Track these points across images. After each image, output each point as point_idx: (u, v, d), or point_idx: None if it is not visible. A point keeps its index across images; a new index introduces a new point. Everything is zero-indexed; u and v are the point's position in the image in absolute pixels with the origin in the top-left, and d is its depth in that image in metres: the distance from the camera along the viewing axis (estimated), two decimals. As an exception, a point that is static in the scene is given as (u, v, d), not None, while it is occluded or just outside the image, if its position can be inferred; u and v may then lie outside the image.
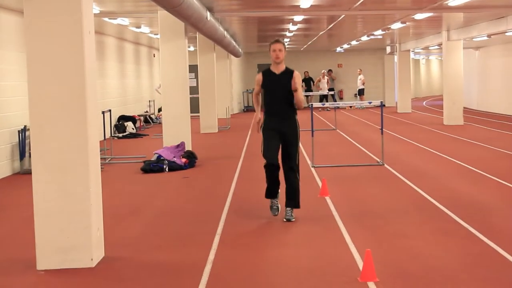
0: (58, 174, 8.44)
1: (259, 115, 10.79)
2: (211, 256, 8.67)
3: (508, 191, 12.79)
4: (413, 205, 11.72)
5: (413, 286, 7.30)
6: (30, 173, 16.21)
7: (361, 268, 7.69)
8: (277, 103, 10.42)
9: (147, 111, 34.87)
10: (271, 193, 10.53)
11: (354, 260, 8.27)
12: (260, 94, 10.88)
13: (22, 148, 17.11)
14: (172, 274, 8.07)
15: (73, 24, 8.41)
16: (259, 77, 10.63)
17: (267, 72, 10.59)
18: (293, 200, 10.37)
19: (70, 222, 8.44)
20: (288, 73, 10.46)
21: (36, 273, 8.23)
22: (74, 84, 8.44)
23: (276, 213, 10.51)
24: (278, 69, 10.49)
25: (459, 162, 16.77)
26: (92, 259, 8.45)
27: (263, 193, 10.67)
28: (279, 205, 10.58)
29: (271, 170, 10.29)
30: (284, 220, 10.22)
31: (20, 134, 17.08)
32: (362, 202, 12.15)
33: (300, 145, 10.97)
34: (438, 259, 8.35)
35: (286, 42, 37.38)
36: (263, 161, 10.31)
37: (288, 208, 10.38)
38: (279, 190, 10.65)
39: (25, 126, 17.13)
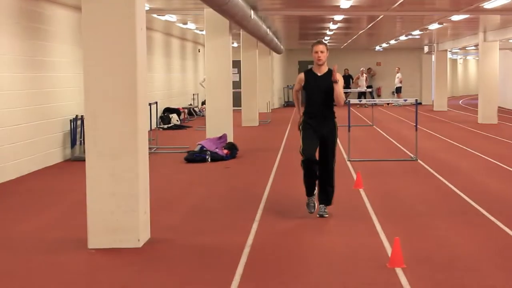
0: (109, 160, 8.78)
1: (299, 113, 10.56)
2: (250, 241, 8.96)
3: None
4: (443, 199, 11.93)
5: (438, 272, 7.54)
6: (81, 160, 16.82)
7: (389, 254, 7.98)
8: (318, 105, 10.11)
9: (191, 104, 35.25)
10: (310, 190, 10.24)
11: (383, 247, 8.54)
12: (300, 92, 10.56)
13: (73, 136, 17.57)
14: (213, 255, 8.38)
15: (127, 21, 8.73)
16: (301, 76, 10.33)
17: (309, 73, 10.28)
18: (325, 198, 10.24)
19: (120, 205, 8.78)
20: (329, 75, 10.11)
21: (87, 252, 8.57)
22: (126, 77, 8.76)
23: (313, 210, 10.25)
24: (320, 71, 10.17)
25: (491, 159, 16.89)
26: (139, 240, 8.79)
27: (300, 185, 10.46)
28: (316, 203, 10.33)
29: (309, 166, 10.05)
30: (318, 216, 10.11)
31: (72, 123, 17.50)
32: (394, 194, 12.39)
33: (337, 146, 10.61)
34: (463, 249, 8.60)
35: (326, 40, 37.48)
36: (300, 158, 10.16)
37: (321, 205, 10.25)
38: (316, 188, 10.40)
39: (76, 116, 17.57)
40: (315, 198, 10.31)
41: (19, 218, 10.79)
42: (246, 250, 8.50)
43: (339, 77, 10.05)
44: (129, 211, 8.83)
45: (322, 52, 9.99)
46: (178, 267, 7.96)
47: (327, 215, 10.13)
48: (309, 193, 10.26)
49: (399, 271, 7.46)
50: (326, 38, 35.27)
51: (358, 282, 7.23)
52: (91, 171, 8.87)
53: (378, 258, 8.06)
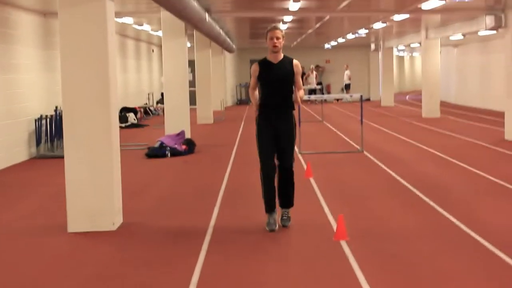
0: (86, 152, 9.59)
1: (257, 109, 9.39)
2: (212, 223, 9.94)
3: (469, 175, 14.07)
4: (385, 185, 13.01)
5: (375, 243, 8.64)
6: (46, 158, 17.59)
7: (335, 230, 9.08)
8: (275, 95, 9.20)
9: (146, 103, 35.84)
10: (270, 204, 9.28)
11: (330, 224, 9.62)
12: (257, 89, 9.48)
13: (38, 135, 18.18)
14: (181, 235, 9.34)
15: (99, 27, 9.54)
16: (255, 67, 9.31)
17: (264, 62, 9.31)
18: (286, 198, 9.44)
19: (96, 192, 9.61)
20: (287, 62, 9.29)
21: (67, 235, 9.42)
22: (100, 77, 9.58)
23: (274, 227, 9.20)
24: (276, 58, 9.26)
25: (431, 150, 18.02)
26: (113, 224, 9.64)
27: (254, 174, 10.51)
28: (277, 217, 9.39)
29: (267, 173, 9.25)
30: (281, 225, 9.39)
31: (37, 123, 18.10)
32: (341, 182, 13.46)
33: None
34: (399, 224, 9.73)
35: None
36: (255, 150, 9.56)
37: (284, 210, 9.47)
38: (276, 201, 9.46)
39: (41, 115, 18.21)
40: (276, 214, 9.39)
41: None
42: (210, 231, 9.43)
43: (296, 69, 9.30)
44: (104, 197, 9.64)
45: (278, 38, 9.14)
46: (150, 246, 8.82)
47: (289, 223, 9.43)
48: (270, 208, 9.30)
49: (343, 243, 8.50)
50: None
51: (308, 253, 8.25)
52: (69, 161, 9.63)
53: (325, 233, 9.12)
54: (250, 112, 36.76)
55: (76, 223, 9.64)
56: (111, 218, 9.70)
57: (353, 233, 9.00)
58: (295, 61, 9.36)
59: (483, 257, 7.98)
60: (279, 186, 9.41)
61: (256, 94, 9.43)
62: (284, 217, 9.43)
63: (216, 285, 7.14)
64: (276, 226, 9.22)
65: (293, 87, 9.41)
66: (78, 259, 8.33)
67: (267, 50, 9.32)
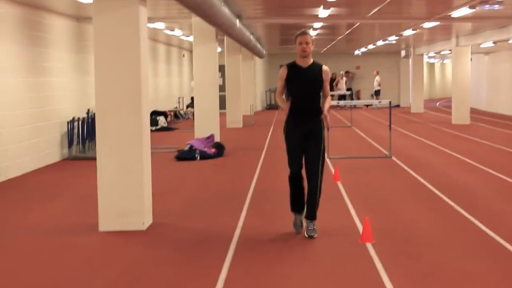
0: (117, 153, 9.84)
1: (287, 108, 9.09)
2: (240, 223, 10.15)
3: (497, 180, 14.15)
4: (412, 190, 13.13)
5: (401, 246, 8.80)
6: (78, 159, 17.89)
7: (361, 232, 9.24)
8: (303, 99, 9.04)
9: (176, 107, 36.08)
10: (297, 206, 9.29)
11: (356, 227, 9.78)
12: (284, 94, 9.25)
13: (71, 137, 18.47)
14: (208, 236, 9.53)
15: (133, 33, 9.78)
16: (283, 71, 9.13)
17: (292, 66, 9.14)
18: (310, 210, 9.14)
19: (126, 192, 9.85)
20: (316, 67, 9.12)
21: (99, 234, 9.66)
22: (132, 81, 9.81)
23: (300, 230, 9.31)
24: (305, 63, 9.10)
25: (459, 156, 18.09)
26: (143, 223, 9.88)
27: (283, 178, 10.23)
28: (303, 222, 9.32)
29: (295, 181, 9.23)
30: (306, 236, 9.13)
31: (69, 125, 18.38)
32: (368, 186, 13.59)
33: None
34: (425, 228, 9.85)
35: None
36: (283, 155, 9.54)
37: (309, 221, 9.19)
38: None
39: (73, 118, 18.49)
40: (303, 216, 9.30)
41: (31, 208, 11.84)
42: (237, 231, 9.64)
43: (325, 76, 9.14)
44: (135, 197, 9.88)
45: (307, 43, 9.00)
46: (179, 246, 9.03)
47: (315, 235, 9.12)
48: (296, 208, 9.29)
49: (369, 246, 8.68)
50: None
51: (335, 255, 8.43)
52: (101, 162, 9.88)
53: (351, 235, 9.28)
54: (280, 116, 36.87)
55: (107, 222, 9.88)
56: (141, 218, 9.92)
57: (379, 236, 9.17)
58: (324, 67, 9.16)
59: (507, 261, 8.12)
60: (307, 198, 9.19)
61: (283, 99, 9.18)
62: (310, 228, 9.13)
63: (242, 284, 7.33)
64: (301, 228, 9.25)
65: (321, 93, 9.22)
66: (108, 258, 8.55)
67: (297, 55, 9.18)
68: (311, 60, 9.17)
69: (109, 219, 9.90)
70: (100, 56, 9.85)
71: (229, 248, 8.75)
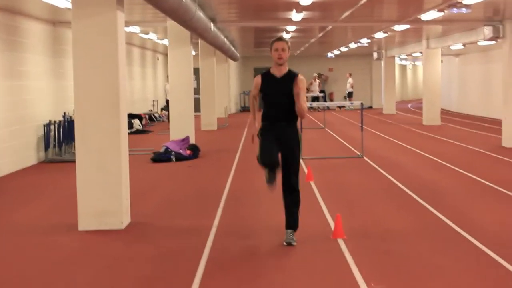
0: (96, 155, 10.00)
1: (255, 123, 9.05)
2: (216, 222, 10.38)
3: (464, 179, 14.52)
4: (383, 188, 13.46)
5: (372, 241, 9.13)
6: (54, 162, 18.00)
7: (333, 229, 9.54)
8: (277, 109, 8.68)
9: (151, 110, 36.21)
10: (271, 178, 8.71)
11: (328, 224, 10.10)
12: (258, 97, 9.03)
13: (47, 140, 18.60)
14: (185, 234, 9.76)
15: (110, 38, 9.92)
16: (258, 80, 8.82)
17: (267, 75, 8.76)
18: (293, 221, 8.90)
19: (105, 192, 10.02)
20: (290, 77, 8.69)
21: (78, 233, 9.85)
22: (110, 84, 9.96)
23: (273, 181, 8.72)
24: (280, 71, 8.71)
25: (429, 156, 18.47)
26: (122, 223, 10.07)
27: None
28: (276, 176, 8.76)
29: (270, 166, 8.68)
30: (285, 244, 8.83)
31: (45, 128, 18.49)
32: (340, 185, 13.92)
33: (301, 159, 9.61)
34: (395, 225, 10.17)
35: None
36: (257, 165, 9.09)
37: (289, 230, 8.88)
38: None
39: (49, 121, 18.63)
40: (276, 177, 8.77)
41: (12, 209, 12.01)
42: (213, 230, 9.88)
43: (302, 91, 8.64)
44: (114, 198, 10.06)
45: (283, 50, 8.59)
46: (156, 243, 9.27)
47: (295, 243, 8.83)
48: (271, 172, 8.72)
49: (340, 242, 8.98)
50: None
51: (308, 250, 8.71)
52: (80, 163, 10.06)
53: (323, 232, 9.59)
54: (252, 123, 37.09)
55: (86, 222, 10.05)
56: (120, 218, 10.11)
57: (350, 232, 9.47)
58: (300, 77, 8.71)
59: (473, 255, 8.45)
60: (285, 205, 8.93)
61: (256, 103, 9.05)
62: (289, 239, 8.79)
63: (218, 278, 7.60)
64: (274, 182, 8.71)
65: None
66: (88, 255, 8.78)
67: (271, 59, 8.85)
68: (287, 69, 8.79)
69: (88, 219, 10.06)
70: (78, 60, 10.00)
71: (205, 246, 8.98)
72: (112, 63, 10.03)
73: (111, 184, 10.13)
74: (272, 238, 9.34)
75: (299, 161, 8.88)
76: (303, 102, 8.65)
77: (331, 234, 9.38)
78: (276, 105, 8.70)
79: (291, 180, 8.81)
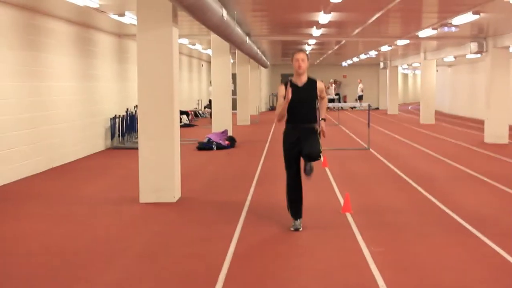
0: (155, 142, 10.30)
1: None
2: (249, 197, 10.72)
3: (451, 167, 14.67)
4: (384, 174, 13.65)
5: (374, 215, 9.39)
6: (118, 149, 18.31)
7: (342, 204, 9.84)
8: (299, 115, 8.11)
9: (196, 108, 36.54)
10: (295, 211, 8.35)
11: (338, 201, 10.38)
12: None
13: (113, 130, 19.08)
14: (225, 206, 10.05)
15: (167, 47, 10.18)
16: (281, 89, 8.19)
17: (289, 84, 8.13)
18: (310, 156, 8.04)
19: (161, 172, 10.31)
20: (311, 84, 8.23)
21: (139, 205, 10.15)
22: (166, 86, 10.24)
23: (299, 228, 8.32)
24: (300, 81, 8.19)
25: (424, 149, 18.59)
26: (174, 197, 10.37)
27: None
28: (299, 222, 8.37)
29: (291, 188, 8.39)
30: (306, 174, 8.22)
31: (112, 121, 18.95)
32: (349, 171, 14.15)
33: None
34: (393, 203, 10.42)
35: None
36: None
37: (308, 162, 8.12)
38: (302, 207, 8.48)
39: (115, 115, 19.05)
40: (301, 221, 8.39)
41: (85, 184, 12.38)
42: (247, 202, 10.22)
43: (322, 87, 8.35)
44: (168, 177, 10.34)
45: (303, 60, 8.12)
46: (203, 212, 9.61)
47: (312, 173, 8.22)
48: (295, 214, 8.38)
49: (348, 215, 9.27)
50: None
51: (321, 222, 8.96)
52: (142, 148, 10.34)
53: (335, 207, 9.88)
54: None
55: (145, 195, 10.36)
56: (172, 193, 10.40)
57: (357, 208, 9.75)
58: (319, 84, 8.27)
59: (454, 227, 8.67)
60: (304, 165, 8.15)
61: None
62: (307, 167, 8.14)
63: (251, 240, 7.91)
64: (299, 228, 8.28)
65: (317, 102, 8.30)
66: (148, 221, 9.09)
67: (294, 72, 8.44)
68: (306, 78, 8.24)
69: (147, 193, 10.35)
70: (142, 66, 10.24)
71: (241, 214, 9.33)
72: (168, 68, 10.24)
73: (165, 165, 10.37)
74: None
75: (319, 144, 8.05)
76: (326, 98, 8.40)
77: (341, 209, 9.66)
78: (299, 112, 8.07)
79: (314, 151, 7.97)
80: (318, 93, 8.17)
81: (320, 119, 8.12)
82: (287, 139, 8.24)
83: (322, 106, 8.42)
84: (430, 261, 7.03)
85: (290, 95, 7.89)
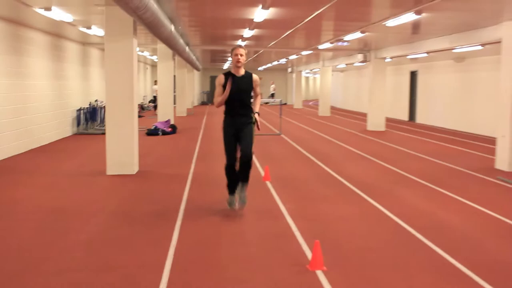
0: (119, 128, 10.42)
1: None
2: (191, 170, 10.98)
3: (342, 148, 15.22)
4: (294, 153, 14.07)
5: (287, 183, 9.78)
6: (83, 134, 18.21)
7: (263, 174, 10.35)
8: (237, 103, 7.22)
9: (142, 102, 36.44)
10: (232, 189, 7.47)
11: (260, 173, 10.77)
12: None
13: (78, 119, 18.96)
14: (174, 177, 10.25)
15: (129, 54, 10.29)
16: (221, 78, 7.31)
17: (228, 74, 7.30)
18: (245, 175, 7.29)
19: (124, 150, 10.46)
20: (248, 76, 7.35)
21: (106, 176, 10.28)
22: (128, 85, 10.36)
23: (234, 206, 7.55)
24: (238, 73, 7.29)
25: (321, 134, 19.23)
26: (134, 170, 10.54)
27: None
28: (236, 197, 7.56)
29: (230, 171, 7.30)
30: (235, 206, 7.54)
31: (77, 112, 18.79)
32: (267, 150, 14.52)
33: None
34: (301, 174, 10.81)
35: (228, 62, 38.86)
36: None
37: (242, 189, 7.43)
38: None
39: (80, 107, 18.96)
40: (236, 197, 7.55)
41: (61, 161, 12.31)
42: (190, 175, 10.43)
43: (258, 81, 7.46)
44: (129, 154, 10.50)
45: (241, 55, 7.21)
46: (157, 181, 9.76)
47: (245, 201, 7.50)
48: (231, 191, 7.50)
49: (268, 183, 9.69)
50: (227, 62, 36.63)
51: (249, 187, 9.34)
52: (109, 130, 10.40)
53: (257, 177, 10.26)
54: (211, 109, 37.51)
55: (111, 169, 10.49)
56: (133, 167, 10.58)
57: (274, 177, 10.22)
58: (254, 76, 7.41)
59: (345, 189, 9.23)
60: (240, 168, 7.27)
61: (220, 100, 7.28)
62: (242, 195, 7.46)
63: (196, 191, 8.22)
64: (234, 205, 7.53)
65: (252, 94, 7.42)
66: (115, 189, 9.18)
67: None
68: (244, 71, 7.38)
69: (113, 167, 10.48)
70: (109, 68, 10.31)
71: (187, 180, 9.64)
72: (129, 71, 10.33)
73: (127, 146, 10.46)
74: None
75: (252, 139, 7.24)
76: (258, 95, 7.52)
77: (262, 178, 10.07)
78: (236, 99, 7.21)
79: (248, 150, 7.15)
80: (254, 85, 7.32)
81: (255, 112, 7.36)
82: (227, 132, 7.24)
83: (257, 102, 7.55)
84: (330, 214, 7.44)
85: (229, 87, 7.17)
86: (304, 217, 7.29)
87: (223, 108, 8.11)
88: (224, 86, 7.23)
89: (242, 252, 5.67)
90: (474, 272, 5.16)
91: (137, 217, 7.23)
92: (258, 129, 7.32)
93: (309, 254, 5.60)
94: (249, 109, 7.28)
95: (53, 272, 5.00)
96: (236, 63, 7.23)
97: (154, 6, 8.24)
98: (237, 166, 7.27)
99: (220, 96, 7.27)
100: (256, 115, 7.28)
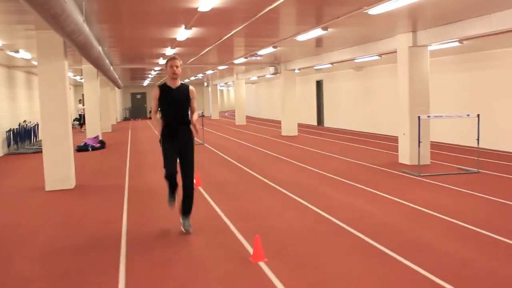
0: (55, 144, 10.21)
1: (160, 129, 6.54)
2: (126, 183, 10.83)
3: (261, 152, 15.45)
4: (218, 161, 14.13)
5: (218, 188, 9.90)
6: (14, 154, 17.50)
7: (195, 181, 10.37)
8: (174, 115, 6.46)
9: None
10: (172, 193, 6.70)
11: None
12: (158, 112, 6.60)
13: (9, 140, 18.30)
14: (110, 188, 10.14)
15: (61, 75, 10.13)
16: (156, 91, 6.56)
17: (163, 86, 6.55)
18: (188, 209, 6.72)
19: (61, 166, 10.27)
20: (184, 88, 6.60)
21: (45, 192, 10.01)
22: (62, 104, 10.20)
23: (173, 204, 6.83)
24: (174, 84, 6.54)
25: (240, 141, 19.46)
26: (71, 184, 10.36)
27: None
28: (176, 199, 6.83)
29: (171, 179, 6.48)
30: (184, 231, 6.73)
31: (7, 133, 18.13)
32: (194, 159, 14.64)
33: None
34: (228, 179, 10.94)
35: (149, 79, 38.56)
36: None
37: (185, 217, 6.80)
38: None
39: (10, 129, 18.24)
40: (175, 199, 6.83)
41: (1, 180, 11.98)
42: (126, 187, 10.29)
43: (194, 94, 6.69)
44: (66, 170, 10.32)
45: (177, 66, 6.49)
46: (94, 195, 9.62)
47: (191, 230, 6.75)
48: (172, 193, 6.73)
49: (200, 188, 9.80)
50: (148, 79, 36.34)
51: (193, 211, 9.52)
52: (45, 147, 10.16)
53: (189, 183, 10.46)
54: (134, 124, 36.99)
55: (50, 185, 10.24)
56: (70, 182, 10.38)
57: (205, 182, 10.31)
58: (191, 88, 6.66)
59: (269, 188, 9.48)
60: (182, 200, 6.68)
61: (158, 117, 6.61)
62: (187, 227, 6.78)
63: (136, 204, 8.16)
64: (174, 205, 6.86)
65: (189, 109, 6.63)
66: (54, 204, 8.98)
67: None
68: (179, 82, 6.62)
69: (51, 183, 10.24)
70: (42, 88, 10.11)
71: (124, 192, 9.55)
72: (62, 91, 10.18)
73: (64, 161, 10.28)
74: (162, 184, 9.99)
75: (193, 163, 6.62)
76: (195, 111, 6.61)
77: (194, 184, 10.01)
78: (174, 112, 6.46)
79: (190, 179, 6.58)
80: (191, 96, 6.58)
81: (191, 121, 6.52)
82: (168, 148, 6.47)
83: (193, 117, 6.53)
84: (262, 211, 7.67)
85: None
86: (239, 216, 7.42)
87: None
88: (159, 100, 6.51)
89: (188, 253, 5.74)
90: (393, 251, 5.54)
91: (83, 227, 7.10)
92: (197, 133, 6.53)
93: (250, 249, 5.76)
94: (187, 122, 6.53)
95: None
96: (172, 75, 6.50)
97: (87, 29, 8.18)
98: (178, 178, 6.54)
99: (156, 112, 6.57)
100: (193, 120, 6.45)
